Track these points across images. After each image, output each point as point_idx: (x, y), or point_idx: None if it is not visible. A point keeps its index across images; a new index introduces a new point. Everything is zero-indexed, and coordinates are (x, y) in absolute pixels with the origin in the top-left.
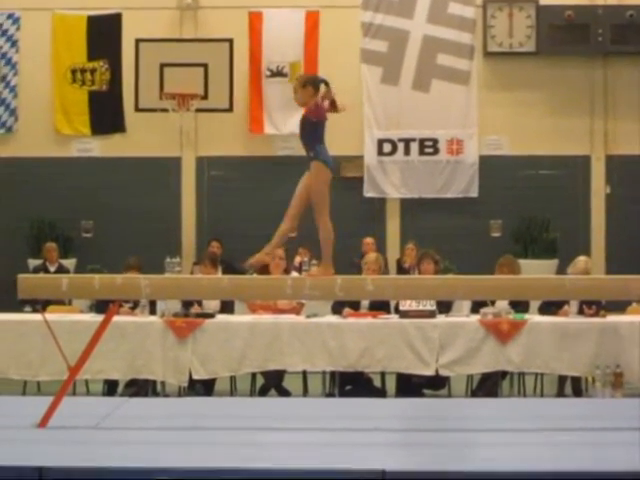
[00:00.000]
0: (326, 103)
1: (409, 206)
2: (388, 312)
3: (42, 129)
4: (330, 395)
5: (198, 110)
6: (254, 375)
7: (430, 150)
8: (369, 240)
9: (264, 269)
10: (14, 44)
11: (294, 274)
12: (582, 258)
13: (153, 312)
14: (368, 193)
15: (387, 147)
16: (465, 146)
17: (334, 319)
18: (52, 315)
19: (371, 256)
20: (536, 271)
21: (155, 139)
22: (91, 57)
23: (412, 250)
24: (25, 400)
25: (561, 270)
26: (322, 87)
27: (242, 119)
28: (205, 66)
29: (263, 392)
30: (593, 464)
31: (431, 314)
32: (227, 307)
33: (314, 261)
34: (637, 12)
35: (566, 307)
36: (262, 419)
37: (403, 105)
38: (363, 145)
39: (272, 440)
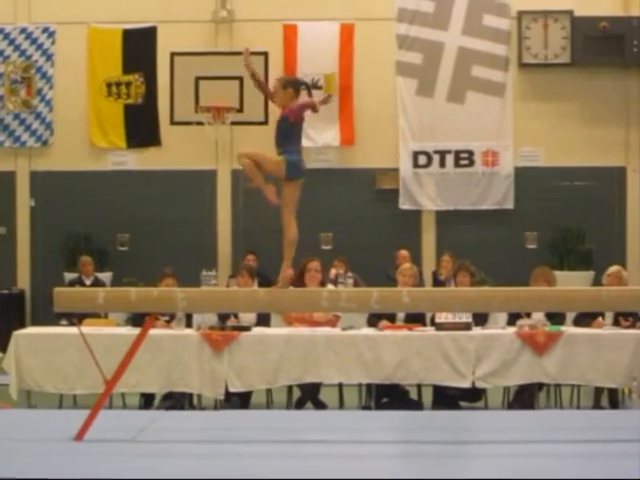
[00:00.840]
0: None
1: (444, 218)
2: (424, 324)
3: (78, 142)
4: (366, 408)
5: (233, 123)
6: (290, 388)
7: (465, 162)
8: (404, 253)
9: (300, 282)
10: (49, 58)
11: (330, 287)
12: (615, 267)
13: (189, 325)
14: (403, 205)
15: (422, 159)
16: (500, 158)
17: (370, 331)
18: (88, 328)
19: (405, 265)
20: (572, 283)
21: (190, 152)
22: (126, 70)
23: (448, 262)
24: (61, 413)
25: (597, 282)
26: (303, 91)
27: None
28: (240, 79)
29: (299, 405)
30: (630, 474)
31: (467, 326)
32: (263, 320)
33: (349, 274)
34: None
35: (600, 319)
36: (298, 432)
37: (438, 117)
38: (398, 157)
39: (308, 453)
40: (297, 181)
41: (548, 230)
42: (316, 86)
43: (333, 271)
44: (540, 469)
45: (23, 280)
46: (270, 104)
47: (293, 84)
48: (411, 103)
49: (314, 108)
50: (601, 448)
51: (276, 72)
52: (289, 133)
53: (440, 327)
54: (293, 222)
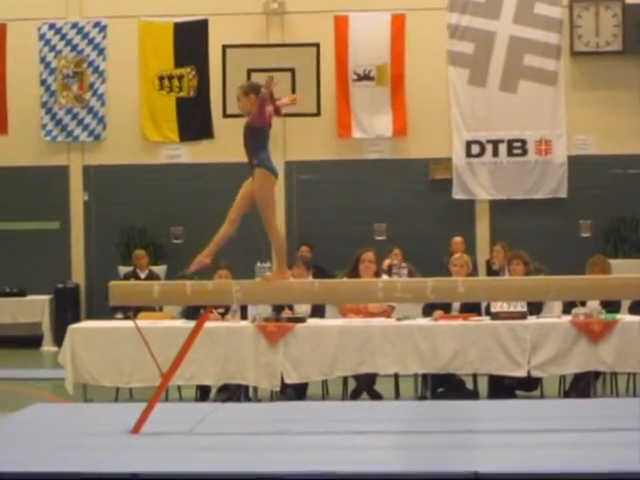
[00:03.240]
0: (269, 108)
1: (498, 207)
2: (479, 314)
3: (130, 136)
4: (422, 398)
5: (286, 115)
6: (346, 379)
7: (518, 151)
8: (458, 239)
9: (354, 272)
10: (101, 52)
11: (384, 277)
12: None
13: (244, 317)
14: (457, 195)
15: (475, 149)
16: (553, 146)
17: (425, 322)
18: (144, 322)
19: (457, 255)
20: (627, 270)
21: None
22: (178, 64)
23: (499, 252)
24: (118, 407)
25: None
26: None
27: (330, 123)
28: (292, 71)
29: (355, 396)
30: None
31: (522, 315)
32: (318, 311)
33: (404, 264)
34: None
35: None
36: (354, 422)
37: (491, 106)
38: (451, 147)
39: (364, 443)
40: (274, 183)
41: (602, 218)
42: (368, 77)
43: (387, 262)
44: (595, 457)
45: (78, 274)
46: (322, 95)
47: (254, 89)
48: (463, 93)
49: (276, 110)
50: None
51: (328, 64)
52: (258, 140)
53: (495, 316)
54: (277, 225)
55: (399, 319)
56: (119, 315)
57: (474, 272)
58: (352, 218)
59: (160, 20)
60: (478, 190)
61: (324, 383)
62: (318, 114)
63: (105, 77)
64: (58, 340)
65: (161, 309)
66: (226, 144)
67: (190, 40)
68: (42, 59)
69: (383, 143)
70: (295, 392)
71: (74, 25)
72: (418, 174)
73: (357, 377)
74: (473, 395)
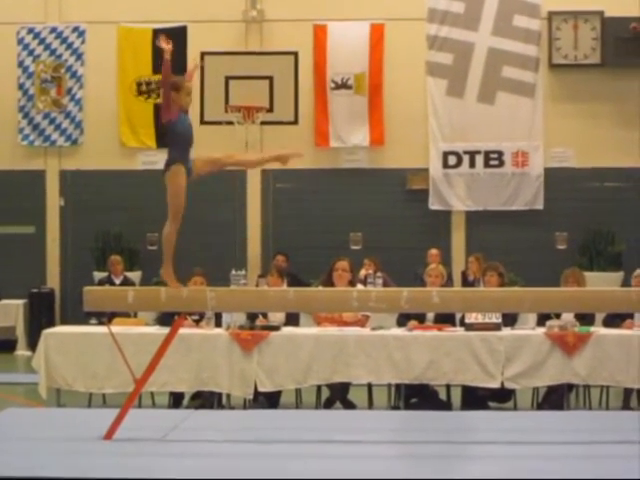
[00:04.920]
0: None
1: (474, 219)
2: (453, 325)
3: (108, 142)
4: (395, 408)
5: (263, 123)
6: (319, 387)
7: (495, 162)
8: (434, 251)
9: (328, 281)
10: (79, 57)
11: (359, 287)
12: None
13: (218, 324)
14: (433, 205)
15: (452, 159)
16: (530, 158)
17: (400, 332)
18: (118, 328)
19: (432, 265)
20: (601, 284)
21: (220, 151)
22: (156, 70)
23: (473, 263)
24: (91, 412)
25: (626, 283)
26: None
27: (307, 131)
28: (270, 79)
29: (328, 405)
30: None
31: (497, 327)
32: (292, 319)
33: (379, 274)
34: None
35: (629, 320)
36: (328, 431)
37: (468, 117)
38: (428, 157)
39: (338, 453)
40: (183, 178)
41: (578, 231)
42: (346, 85)
43: (363, 271)
44: (567, 470)
45: (53, 279)
46: (300, 104)
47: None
48: (441, 103)
49: (174, 85)
50: (630, 449)
51: (306, 72)
52: (167, 136)
53: (470, 327)
54: (174, 226)
55: (373, 329)
56: (93, 321)
57: (449, 283)
58: (328, 227)
59: (139, 26)
60: (454, 201)
61: (298, 392)
62: (296, 122)
63: (83, 82)
64: (32, 345)
65: (135, 315)
66: (203, 151)
67: None
68: (20, 63)
69: (360, 152)
70: (267, 400)
71: (53, 30)
72: (395, 184)
73: (331, 386)
74: (446, 406)
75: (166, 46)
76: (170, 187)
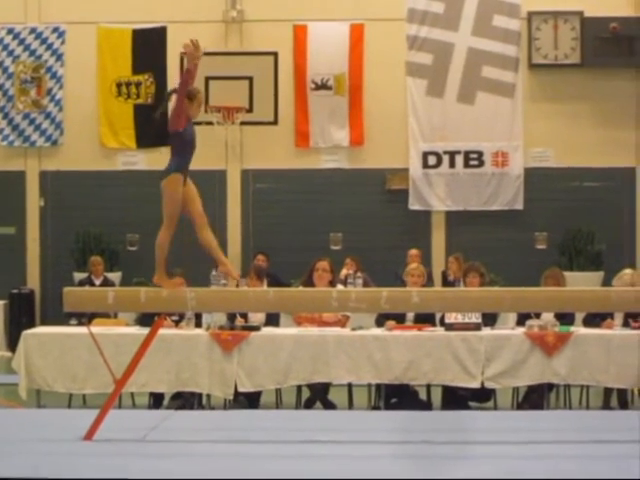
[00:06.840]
0: (190, 112)
1: (454, 219)
2: (433, 324)
3: (87, 142)
4: (376, 408)
5: (243, 123)
6: (300, 388)
7: (475, 162)
8: (414, 252)
9: (309, 281)
10: (59, 58)
11: (340, 287)
12: (628, 271)
13: (198, 325)
14: (413, 206)
15: (432, 159)
16: (510, 158)
17: (380, 332)
18: (98, 328)
19: (412, 265)
20: (581, 283)
21: (200, 152)
22: (136, 70)
23: (452, 263)
24: (71, 413)
25: (606, 282)
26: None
27: (287, 132)
28: (250, 79)
29: (308, 405)
30: (636, 474)
31: (477, 327)
32: (272, 320)
33: (359, 274)
34: None
35: (609, 320)
36: (308, 432)
37: (448, 117)
38: (408, 157)
39: (318, 453)
40: (177, 187)
41: (558, 231)
42: (326, 86)
43: (344, 271)
44: (547, 470)
45: (33, 280)
46: (280, 104)
47: (189, 95)
48: (421, 103)
49: (190, 94)
50: (610, 449)
51: (286, 73)
52: (175, 145)
53: (450, 327)
54: (168, 231)
55: (354, 329)
56: (73, 321)
57: (429, 283)
58: (308, 227)
59: (119, 26)
60: (434, 201)
61: (278, 392)
62: (275, 123)
63: (63, 83)
64: (12, 345)
65: (115, 316)
66: None
67: (148, 47)
68: (0, 64)
69: (340, 153)
70: (247, 400)
71: (33, 30)
72: (374, 184)
73: (311, 386)
74: (426, 406)
75: (196, 53)
76: (166, 194)
